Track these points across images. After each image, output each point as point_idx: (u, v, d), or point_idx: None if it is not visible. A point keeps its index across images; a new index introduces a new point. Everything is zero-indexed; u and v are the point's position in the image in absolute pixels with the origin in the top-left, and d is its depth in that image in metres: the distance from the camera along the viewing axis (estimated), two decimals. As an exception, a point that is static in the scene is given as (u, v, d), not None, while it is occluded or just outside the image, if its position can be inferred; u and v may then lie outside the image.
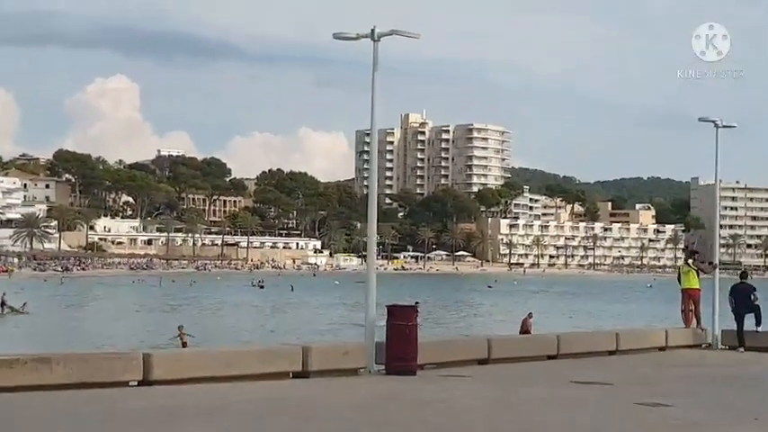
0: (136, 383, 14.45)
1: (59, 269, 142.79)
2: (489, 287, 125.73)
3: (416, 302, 53.44)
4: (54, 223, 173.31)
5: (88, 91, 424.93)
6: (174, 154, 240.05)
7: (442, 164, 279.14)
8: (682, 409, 12.53)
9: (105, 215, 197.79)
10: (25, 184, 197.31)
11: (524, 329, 30.22)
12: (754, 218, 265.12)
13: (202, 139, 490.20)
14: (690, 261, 24.34)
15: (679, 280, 24.08)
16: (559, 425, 11.19)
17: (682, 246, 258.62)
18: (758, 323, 22.88)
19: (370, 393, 14.22)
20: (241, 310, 71.36)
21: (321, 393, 14.11)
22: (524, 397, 13.92)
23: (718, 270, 24.78)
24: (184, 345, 38.44)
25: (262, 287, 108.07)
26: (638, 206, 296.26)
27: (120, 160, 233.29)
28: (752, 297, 22.77)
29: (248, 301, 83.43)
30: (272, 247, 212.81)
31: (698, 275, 23.71)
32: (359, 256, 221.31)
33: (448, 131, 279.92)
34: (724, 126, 24.21)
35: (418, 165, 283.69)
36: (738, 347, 22.65)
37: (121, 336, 45.22)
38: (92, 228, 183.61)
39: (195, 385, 14.42)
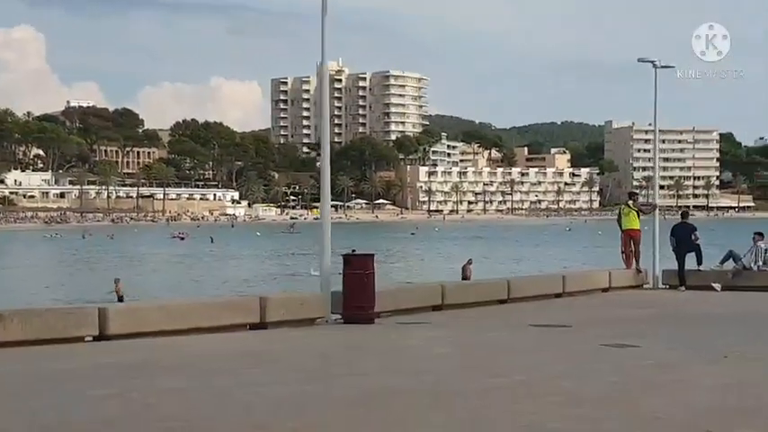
0: (91, 339, 14.06)
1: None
2: (412, 234, 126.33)
3: (353, 250, 53.26)
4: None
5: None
6: (85, 105, 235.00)
7: (360, 112, 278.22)
8: (650, 350, 12.59)
9: (15, 168, 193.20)
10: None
11: (465, 276, 30.29)
12: (666, 159, 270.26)
13: (112, 90, 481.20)
14: (630, 202, 24.59)
15: (619, 221, 24.33)
16: (534, 367, 11.15)
17: (597, 188, 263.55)
18: (699, 262, 23.27)
19: (337, 342, 14.05)
20: (167, 263, 70.43)
21: (286, 345, 13.88)
22: (491, 342, 13.88)
23: (658, 211, 25.07)
24: (121, 299, 37.77)
25: (182, 239, 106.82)
26: (553, 150, 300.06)
27: (29, 112, 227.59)
28: (693, 236, 23.10)
29: (172, 253, 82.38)
30: (188, 198, 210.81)
31: (638, 216, 23.96)
32: (278, 206, 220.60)
33: (365, 79, 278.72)
34: (663, 66, 24.39)
35: (335, 113, 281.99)
36: (679, 287, 23.01)
37: (54, 292, 44.09)
38: (1, 181, 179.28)
39: (153, 339, 14.08)
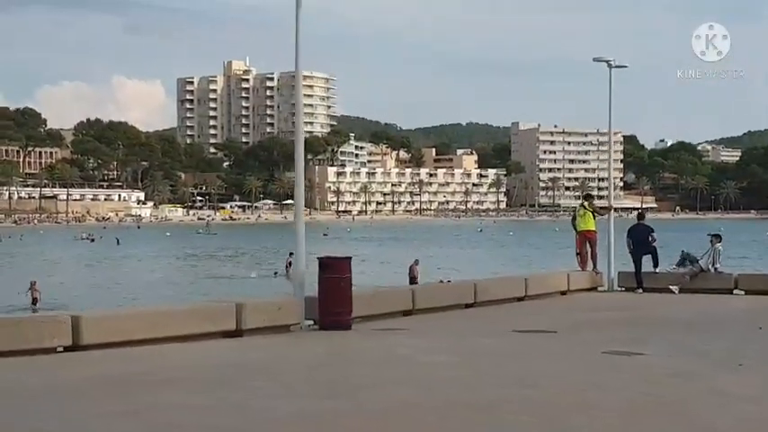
0: (62, 349, 13.19)
1: None
2: (324, 235, 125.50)
3: (291, 253, 51.90)
4: None
5: None
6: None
7: (268, 112, 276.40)
8: (658, 358, 12.30)
9: None
10: None
11: (412, 276, 29.83)
12: (571, 161, 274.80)
13: (9, 89, 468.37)
14: (586, 203, 24.43)
15: (573, 223, 24.15)
16: (553, 376, 10.74)
17: (504, 189, 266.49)
18: (656, 264, 23.21)
19: (325, 351, 13.44)
20: (85, 265, 68.32)
21: (272, 353, 13.23)
22: (486, 349, 13.42)
23: (613, 212, 24.98)
24: (35, 300, 36.41)
25: (92, 240, 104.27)
26: (459, 151, 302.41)
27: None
28: (650, 238, 23.03)
29: (83, 255, 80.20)
30: (93, 199, 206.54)
31: (594, 218, 23.82)
32: (184, 207, 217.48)
33: (272, 79, 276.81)
34: (617, 66, 24.30)
35: (243, 113, 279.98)
36: (636, 289, 22.91)
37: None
38: None
39: (129, 349, 13.28)
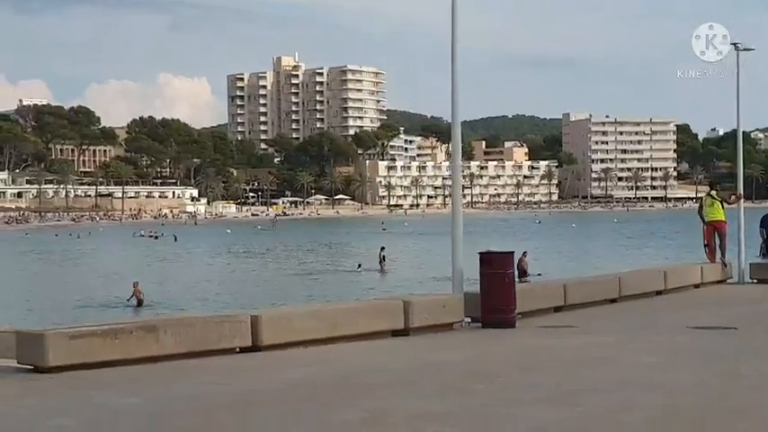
0: (238, 350, 12.85)
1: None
2: (384, 229, 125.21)
3: (382, 248, 51.72)
4: None
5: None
6: (39, 103, 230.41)
7: (317, 107, 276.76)
8: None
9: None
10: None
11: (522, 270, 29.33)
12: (623, 151, 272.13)
13: (59, 88, 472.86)
14: (713, 192, 23.68)
15: (701, 213, 23.46)
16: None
17: (555, 181, 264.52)
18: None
19: (514, 350, 12.97)
20: (170, 263, 68.08)
21: (461, 353, 12.77)
22: (680, 347, 12.85)
23: (743, 201, 24.18)
24: (140, 302, 36.37)
25: (156, 238, 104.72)
26: (508, 144, 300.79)
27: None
28: (785, 228, 22.33)
29: (154, 253, 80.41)
30: (147, 196, 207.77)
31: (722, 207, 23.10)
32: (237, 203, 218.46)
33: (322, 74, 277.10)
34: (745, 49, 23.25)
35: (293, 109, 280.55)
36: (774, 280, 22.19)
37: (66, 295, 42.36)
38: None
39: (307, 349, 12.94)
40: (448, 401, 9.22)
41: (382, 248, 51.93)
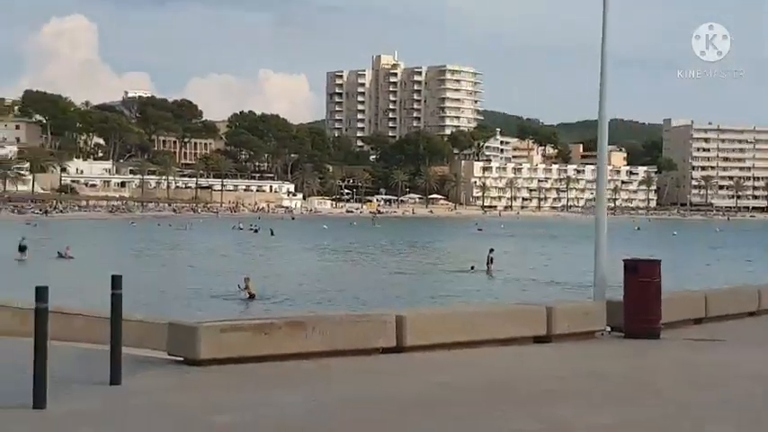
0: (381, 350, 12.64)
1: (37, 211, 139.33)
2: (479, 230, 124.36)
3: (491, 249, 50.85)
4: (26, 165, 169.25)
5: (44, 31, 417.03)
6: (144, 96, 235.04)
7: (414, 106, 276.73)
8: None
9: (77, 157, 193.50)
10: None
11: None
12: (725, 159, 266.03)
13: (161, 81, 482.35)
14: None
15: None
16: None
17: (654, 187, 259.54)
18: None
19: (668, 363, 12.52)
20: (265, 256, 68.16)
21: (615, 363, 12.38)
22: None
23: None
24: (252, 296, 36.58)
25: (256, 231, 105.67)
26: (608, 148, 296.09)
27: (87, 102, 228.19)
28: None
29: (254, 245, 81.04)
30: (245, 189, 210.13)
31: None
32: (332, 200, 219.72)
33: (420, 73, 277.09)
34: None
35: (390, 107, 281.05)
36: None
37: (181, 286, 42.80)
38: (64, 170, 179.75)
39: (452, 352, 12.69)
40: (622, 414, 8.89)
41: (491, 250, 51.32)
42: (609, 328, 15.10)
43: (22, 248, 54.94)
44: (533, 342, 13.93)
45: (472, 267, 49.93)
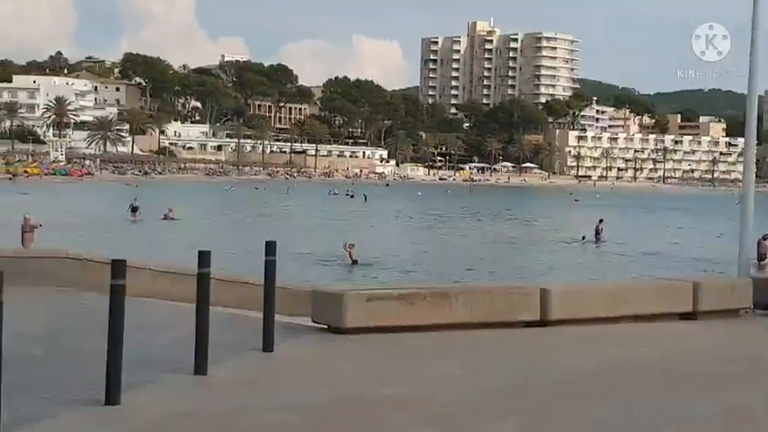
0: (522, 324, 12.35)
1: (137, 172, 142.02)
2: (576, 201, 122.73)
3: (601, 220, 49.98)
4: (126, 127, 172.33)
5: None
6: (241, 60, 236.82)
7: (509, 74, 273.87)
8: None
9: (175, 120, 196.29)
10: (96, 87, 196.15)
11: (762, 254, 27.72)
12: None
13: (256, 46, 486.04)
14: None
15: None
16: None
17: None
18: None
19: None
20: (365, 221, 67.89)
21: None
22: None
23: None
24: (355, 262, 36.59)
25: (351, 196, 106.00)
26: (704, 119, 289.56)
27: (185, 65, 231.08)
28: None
29: (350, 211, 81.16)
30: (339, 155, 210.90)
31: None
32: (425, 166, 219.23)
33: (516, 40, 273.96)
34: None
35: (485, 74, 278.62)
36: None
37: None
38: (162, 132, 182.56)
39: (597, 326, 12.34)
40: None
41: (600, 220, 50.41)
42: (752, 306, 14.57)
43: (133, 209, 55.92)
44: (678, 319, 13.49)
45: (583, 238, 48.98)
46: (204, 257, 9.02)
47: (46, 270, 14.96)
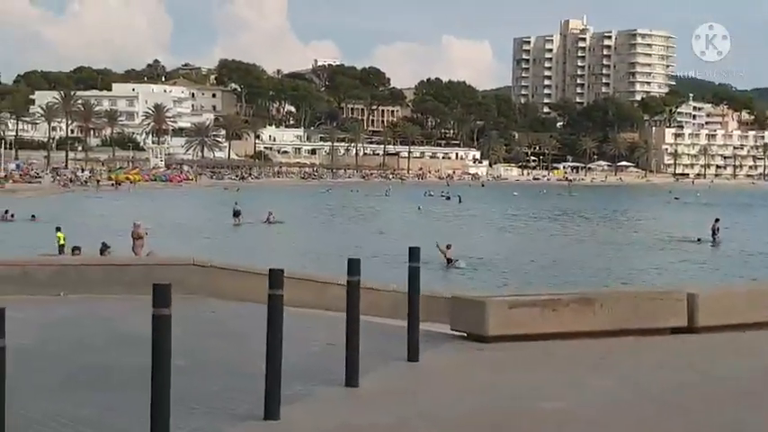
0: (668, 331, 11.79)
1: (234, 177, 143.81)
2: (676, 198, 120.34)
3: (717, 219, 48.35)
4: (222, 132, 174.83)
5: (236, 0, 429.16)
6: (333, 64, 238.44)
7: (603, 71, 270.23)
8: None
9: (270, 124, 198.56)
10: (192, 94, 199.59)
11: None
12: None
13: (348, 49, 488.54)
14: None
15: None
16: None
17: None
18: None
19: None
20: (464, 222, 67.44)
21: None
22: None
23: None
24: (450, 261, 36.23)
25: (448, 198, 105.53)
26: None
27: (278, 70, 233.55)
28: None
29: (453, 212, 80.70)
30: (431, 156, 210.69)
31: None
32: (519, 166, 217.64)
33: (610, 38, 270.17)
34: None
35: (578, 73, 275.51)
36: None
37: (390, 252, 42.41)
38: (258, 137, 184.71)
39: (750, 332, 11.72)
40: None
41: (717, 220, 49.06)
42: None
43: (236, 213, 56.45)
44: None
45: (699, 240, 47.75)
46: (354, 265, 8.77)
47: (173, 277, 14.90)
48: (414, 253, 9.94)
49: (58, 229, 35.42)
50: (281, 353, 7.50)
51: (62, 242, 33.87)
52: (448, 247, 37.15)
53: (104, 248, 26.88)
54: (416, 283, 9.95)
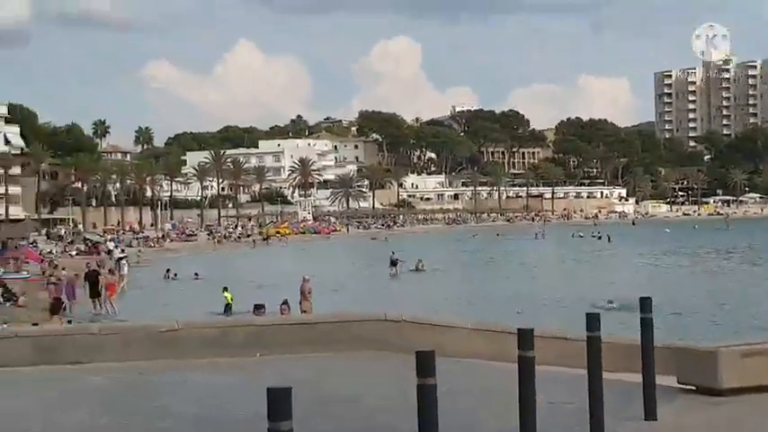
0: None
1: (380, 226, 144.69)
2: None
3: None
4: (366, 182, 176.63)
5: (372, 54, 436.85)
6: (470, 109, 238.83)
7: (749, 102, 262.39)
8: None
9: (412, 172, 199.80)
10: (335, 146, 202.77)
11: None
12: None
13: (485, 92, 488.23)
14: None
15: None
16: None
17: None
18: None
19: None
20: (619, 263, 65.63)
21: None
22: None
23: None
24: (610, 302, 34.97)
25: (599, 238, 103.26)
26: None
27: (417, 118, 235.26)
28: None
29: (608, 253, 78.75)
30: (576, 196, 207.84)
31: None
32: (667, 203, 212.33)
33: (755, 67, 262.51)
34: None
35: (723, 104, 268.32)
36: None
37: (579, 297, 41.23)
38: (401, 185, 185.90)
39: None
40: None
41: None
42: None
43: (393, 263, 56.38)
44: None
45: None
46: (593, 320, 8.29)
47: (365, 333, 14.72)
48: (645, 304, 9.40)
49: (226, 289, 35.94)
50: (535, 419, 7.07)
51: (229, 301, 34.37)
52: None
53: (257, 309, 25.48)
54: (650, 335, 9.39)
